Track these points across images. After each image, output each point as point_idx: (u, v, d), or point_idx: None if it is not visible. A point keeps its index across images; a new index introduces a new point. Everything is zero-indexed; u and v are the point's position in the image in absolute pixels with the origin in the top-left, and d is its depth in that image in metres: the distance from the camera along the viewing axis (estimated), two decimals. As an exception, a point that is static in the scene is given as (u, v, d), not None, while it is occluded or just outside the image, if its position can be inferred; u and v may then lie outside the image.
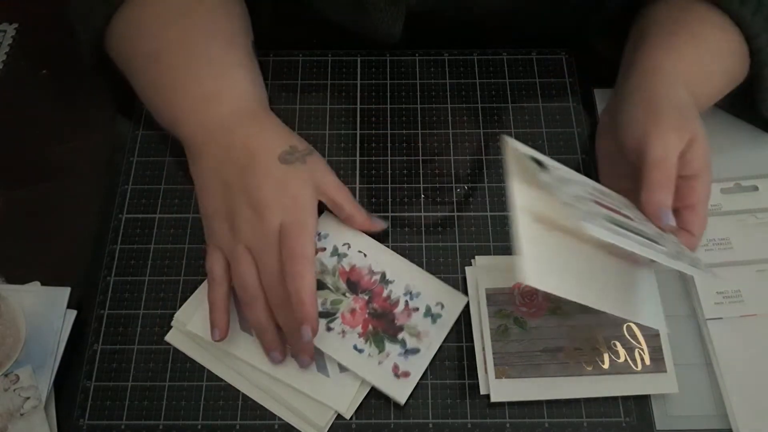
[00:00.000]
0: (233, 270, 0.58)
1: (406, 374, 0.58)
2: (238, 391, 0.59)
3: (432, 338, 0.59)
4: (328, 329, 0.59)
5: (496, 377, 0.58)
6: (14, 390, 0.56)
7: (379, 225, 0.63)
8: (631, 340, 0.59)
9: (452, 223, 0.66)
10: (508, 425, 0.57)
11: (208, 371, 0.59)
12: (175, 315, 0.61)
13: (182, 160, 0.69)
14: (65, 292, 0.61)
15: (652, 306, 0.57)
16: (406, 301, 0.61)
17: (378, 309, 0.60)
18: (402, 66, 0.74)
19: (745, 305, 0.60)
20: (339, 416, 0.57)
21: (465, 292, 0.62)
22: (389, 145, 0.69)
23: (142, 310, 0.62)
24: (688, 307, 0.61)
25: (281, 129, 0.63)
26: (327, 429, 0.57)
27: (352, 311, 0.60)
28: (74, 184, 0.69)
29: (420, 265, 0.63)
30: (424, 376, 0.59)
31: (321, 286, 0.61)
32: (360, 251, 0.62)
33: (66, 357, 0.59)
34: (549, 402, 0.58)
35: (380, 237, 0.64)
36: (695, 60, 0.60)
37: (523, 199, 0.52)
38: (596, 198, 0.54)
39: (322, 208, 0.62)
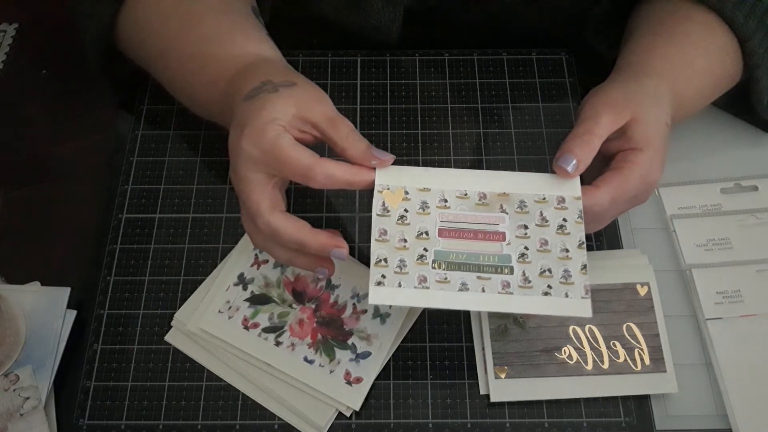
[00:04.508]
0: None
1: (359, 380, 0.58)
2: (238, 391, 0.59)
3: (382, 339, 0.59)
4: (277, 344, 0.59)
5: (496, 377, 0.58)
6: (14, 390, 0.56)
7: (382, 160, 0.53)
8: (631, 340, 0.59)
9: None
10: (507, 425, 0.57)
11: (208, 371, 0.59)
12: (175, 315, 0.61)
13: (182, 160, 0.69)
14: (65, 292, 0.61)
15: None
16: (354, 305, 0.61)
17: (326, 316, 0.60)
18: (402, 66, 0.74)
19: (745, 305, 0.60)
20: (339, 416, 0.57)
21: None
22: (389, 144, 0.69)
23: (141, 310, 0.62)
24: (688, 307, 0.61)
25: (260, 68, 0.56)
26: (327, 429, 0.57)
27: (300, 322, 0.60)
28: (74, 184, 0.69)
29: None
30: (423, 376, 0.59)
31: (266, 300, 0.61)
32: None
33: (66, 357, 0.59)
34: (549, 402, 0.58)
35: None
36: (680, 59, 0.60)
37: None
38: (445, 206, 0.54)
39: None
